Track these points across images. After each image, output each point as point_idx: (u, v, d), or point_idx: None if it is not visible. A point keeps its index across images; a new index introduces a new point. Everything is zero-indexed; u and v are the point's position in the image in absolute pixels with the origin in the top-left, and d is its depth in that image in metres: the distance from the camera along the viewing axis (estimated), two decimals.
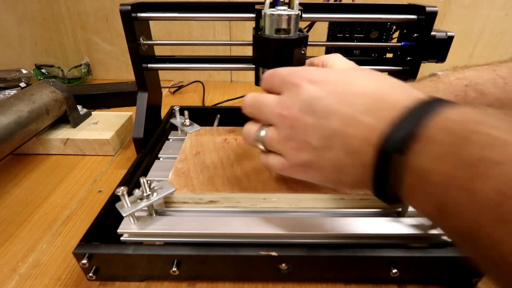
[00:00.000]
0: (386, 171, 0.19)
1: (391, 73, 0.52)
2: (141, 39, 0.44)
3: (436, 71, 0.39)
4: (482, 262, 0.15)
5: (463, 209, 0.15)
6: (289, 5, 0.34)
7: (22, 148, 0.49)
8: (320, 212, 0.33)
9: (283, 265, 0.29)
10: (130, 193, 0.31)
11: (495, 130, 0.15)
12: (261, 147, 0.26)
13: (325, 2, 0.46)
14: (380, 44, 0.48)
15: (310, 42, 0.41)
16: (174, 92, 0.84)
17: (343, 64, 0.31)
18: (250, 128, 0.27)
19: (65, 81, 0.86)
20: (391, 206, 0.33)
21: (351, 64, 0.31)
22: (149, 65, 0.47)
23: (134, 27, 0.42)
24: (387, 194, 0.20)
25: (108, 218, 0.33)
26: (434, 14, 0.41)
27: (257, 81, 0.42)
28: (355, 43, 0.48)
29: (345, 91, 0.22)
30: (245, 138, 0.27)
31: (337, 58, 0.31)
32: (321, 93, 0.22)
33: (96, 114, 0.60)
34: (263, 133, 0.26)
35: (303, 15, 0.41)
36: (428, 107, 0.18)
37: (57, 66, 0.88)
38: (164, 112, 0.58)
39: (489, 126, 0.15)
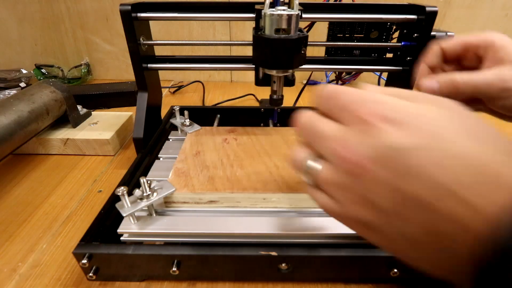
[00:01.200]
0: (502, 271, 0.14)
1: (391, 73, 0.52)
2: (141, 39, 0.44)
3: None
4: None
5: None
6: (289, 5, 0.34)
7: (22, 148, 0.49)
8: (320, 212, 0.33)
9: (283, 265, 0.29)
10: (130, 193, 0.31)
11: None
12: (309, 181, 0.22)
13: (325, 2, 0.46)
14: (380, 44, 0.48)
15: (310, 42, 0.41)
16: (174, 92, 0.84)
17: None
18: (300, 154, 0.22)
19: (65, 81, 0.86)
20: None
21: None
22: (149, 65, 0.47)
23: (134, 27, 0.42)
24: None
25: (108, 218, 0.33)
26: (434, 14, 0.41)
27: (257, 81, 0.42)
28: (355, 43, 0.48)
29: (441, 149, 0.16)
30: (292, 164, 0.23)
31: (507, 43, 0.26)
32: (408, 143, 0.16)
33: (96, 114, 0.60)
34: (315, 165, 0.20)
35: (303, 15, 0.41)
36: None
37: (57, 66, 0.88)
38: (164, 112, 0.58)
39: None
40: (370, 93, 0.19)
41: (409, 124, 0.17)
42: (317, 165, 0.20)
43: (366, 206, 0.18)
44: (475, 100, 0.29)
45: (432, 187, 0.16)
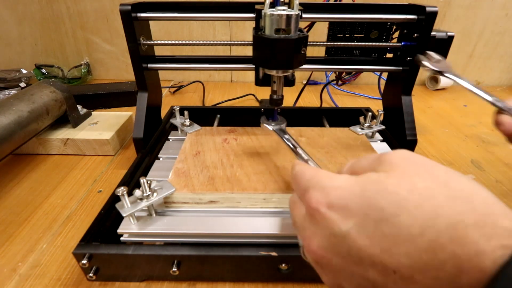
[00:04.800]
0: None
1: (391, 73, 0.52)
2: (141, 39, 0.44)
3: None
4: None
5: None
6: (289, 5, 0.34)
7: (22, 148, 0.49)
8: None
9: (283, 265, 0.29)
10: (130, 193, 0.31)
11: None
12: None
13: (325, 2, 0.46)
14: (380, 44, 0.48)
15: (310, 42, 0.41)
16: (174, 92, 0.84)
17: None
18: (295, 218, 0.22)
19: (65, 81, 0.86)
20: None
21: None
22: (149, 65, 0.47)
23: (134, 27, 0.42)
24: None
25: (108, 218, 0.33)
26: (434, 14, 0.41)
27: (257, 81, 0.42)
28: (355, 43, 0.48)
29: (376, 229, 0.15)
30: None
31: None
32: (342, 228, 0.16)
33: (96, 114, 0.60)
34: (300, 243, 0.21)
35: (303, 15, 0.41)
36: None
37: (57, 66, 0.88)
38: (164, 112, 0.58)
39: None
40: (323, 177, 0.19)
41: (343, 207, 0.17)
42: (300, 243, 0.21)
43: None
44: None
45: (380, 271, 0.15)
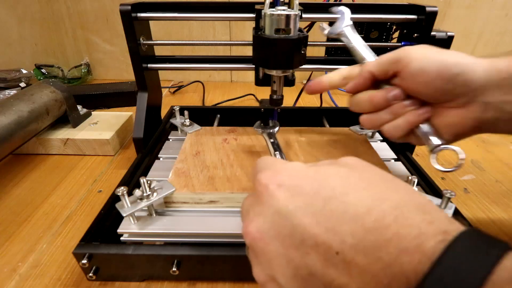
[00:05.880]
0: None
1: None
2: (141, 39, 0.44)
3: None
4: None
5: None
6: (289, 5, 0.34)
7: (22, 148, 0.49)
8: None
9: None
10: (130, 193, 0.31)
11: None
12: None
13: (325, 2, 0.46)
14: (380, 44, 0.48)
15: (310, 42, 0.41)
16: (174, 92, 0.84)
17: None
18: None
19: (65, 81, 0.86)
20: None
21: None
22: (149, 65, 0.47)
23: (134, 27, 0.42)
24: None
25: (108, 218, 0.33)
26: (434, 14, 0.41)
27: (257, 81, 0.42)
28: None
29: (324, 209, 0.15)
30: None
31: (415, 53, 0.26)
32: (289, 206, 0.16)
33: (96, 114, 0.60)
34: None
35: (303, 15, 0.41)
36: (472, 259, 0.12)
37: (57, 66, 0.88)
38: (164, 112, 0.58)
39: None
40: (279, 162, 0.20)
41: (295, 186, 0.17)
42: None
43: (272, 284, 0.17)
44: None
45: (322, 255, 0.15)
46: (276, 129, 0.39)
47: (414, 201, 0.15)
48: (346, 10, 0.36)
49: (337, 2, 0.47)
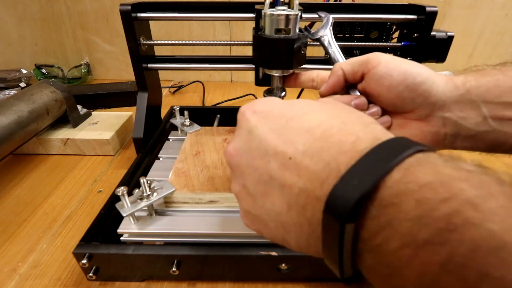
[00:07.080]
0: (338, 239, 0.14)
1: None
2: (141, 39, 0.44)
3: (436, 71, 0.38)
4: None
5: None
6: (289, 5, 0.34)
7: (22, 148, 0.48)
8: None
9: (283, 265, 0.29)
10: (130, 193, 0.31)
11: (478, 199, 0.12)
12: None
13: (325, 2, 0.46)
14: (380, 44, 0.48)
15: (310, 42, 0.41)
16: (174, 92, 0.84)
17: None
18: None
19: (65, 81, 0.86)
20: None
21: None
22: (149, 65, 0.47)
23: (134, 27, 0.42)
24: (342, 268, 0.15)
25: (108, 218, 0.33)
26: (434, 14, 0.41)
27: (257, 81, 0.42)
28: (355, 43, 0.48)
29: (285, 126, 0.19)
30: None
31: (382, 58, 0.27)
32: (258, 126, 0.19)
33: (96, 114, 0.60)
34: None
35: (303, 15, 0.41)
36: (389, 154, 0.14)
37: (57, 66, 0.88)
38: (164, 112, 0.58)
39: (467, 188, 0.12)
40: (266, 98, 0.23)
41: (264, 112, 0.20)
42: None
43: (244, 194, 0.20)
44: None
45: (279, 160, 0.18)
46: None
47: (360, 119, 0.18)
48: (330, 16, 0.36)
49: (337, 2, 0.47)
